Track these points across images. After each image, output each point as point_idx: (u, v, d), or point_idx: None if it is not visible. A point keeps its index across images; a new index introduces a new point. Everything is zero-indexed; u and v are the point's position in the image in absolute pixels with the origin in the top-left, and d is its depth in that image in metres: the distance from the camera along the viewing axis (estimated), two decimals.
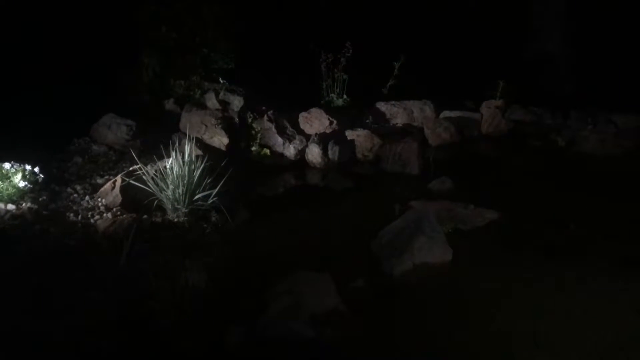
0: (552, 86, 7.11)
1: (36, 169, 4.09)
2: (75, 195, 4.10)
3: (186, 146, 4.13)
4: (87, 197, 4.08)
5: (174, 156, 4.06)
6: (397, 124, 6.13)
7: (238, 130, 5.33)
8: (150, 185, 3.99)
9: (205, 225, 4.01)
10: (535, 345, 2.84)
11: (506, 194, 4.70)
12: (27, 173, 4.01)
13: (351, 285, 3.34)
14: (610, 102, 6.28)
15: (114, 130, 4.94)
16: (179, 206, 3.99)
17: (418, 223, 3.73)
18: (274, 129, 5.42)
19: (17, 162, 4.02)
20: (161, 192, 3.99)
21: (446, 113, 6.26)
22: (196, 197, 4.02)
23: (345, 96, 6.28)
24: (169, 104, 5.52)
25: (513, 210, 4.33)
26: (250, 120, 5.43)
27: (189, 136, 4.39)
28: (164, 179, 3.99)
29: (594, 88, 6.64)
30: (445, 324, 3.03)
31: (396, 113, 6.18)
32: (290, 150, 5.38)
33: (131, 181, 4.01)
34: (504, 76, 6.59)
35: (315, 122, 5.63)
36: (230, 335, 2.90)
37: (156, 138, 4.89)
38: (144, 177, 4.02)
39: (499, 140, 6.04)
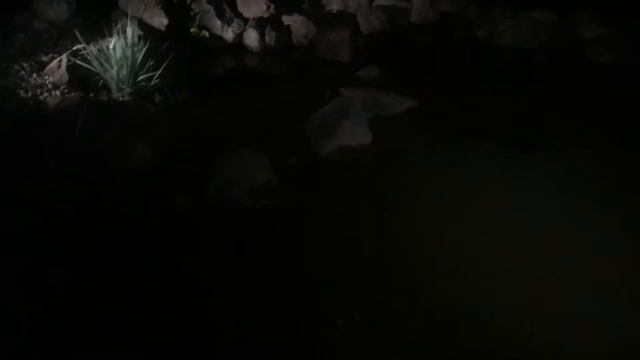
0: None
1: None
2: (23, 72, 4.25)
3: (128, 27, 4.28)
4: (34, 75, 4.25)
5: (116, 37, 4.24)
6: (332, 10, 6.33)
7: (177, 11, 5.41)
8: (95, 64, 4.20)
9: (149, 105, 4.32)
10: (431, 205, 3.55)
11: (426, 82, 5.20)
12: None
13: (284, 162, 3.85)
14: None
15: (54, 6, 4.93)
16: (123, 86, 4.24)
17: (344, 109, 4.22)
18: (212, 11, 5.54)
19: None
20: (106, 72, 4.21)
21: (379, 1, 6.49)
22: (139, 78, 4.27)
23: None
24: None
25: (430, 97, 4.86)
26: (189, 1, 5.51)
27: (130, 16, 4.52)
28: (108, 60, 4.20)
29: None
30: (359, 192, 3.67)
31: None
32: (228, 34, 5.57)
33: (77, 61, 4.20)
34: None
35: (253, 5, 5.76)
36: (179, 200, 3.40)
37: (97, 16, 4.99)
38: (88, 57, 4.21)
39: (426, 30, 6.41)
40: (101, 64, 4.19)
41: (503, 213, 3.51)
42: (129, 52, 4.20)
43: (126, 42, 4.22)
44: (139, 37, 4.38)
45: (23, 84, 4.12)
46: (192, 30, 5.47)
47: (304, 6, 6.13)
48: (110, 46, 4.23)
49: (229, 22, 5.60)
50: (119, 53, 4.17)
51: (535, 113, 4.77)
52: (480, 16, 6.55)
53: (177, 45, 4.76)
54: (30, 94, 4.04)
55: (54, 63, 4.28)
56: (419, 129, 4.44)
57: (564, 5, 6.45)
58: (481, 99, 4.95)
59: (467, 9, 6.60)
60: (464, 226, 3.36)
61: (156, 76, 4.27)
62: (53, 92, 4.10)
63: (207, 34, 5.52)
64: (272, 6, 5.79)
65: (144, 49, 4.27)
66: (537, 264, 3.10)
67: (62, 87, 4.16)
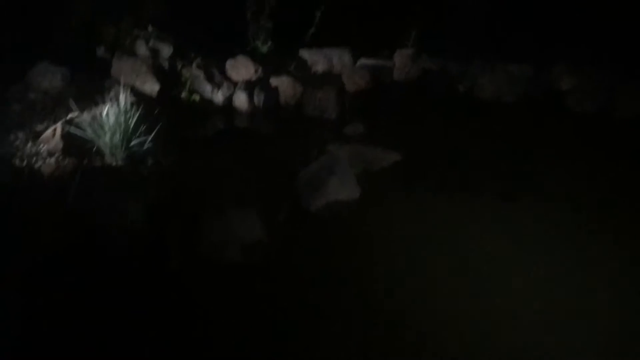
0: (460, 37, 7.76)
1: None
2: (18, 141, 4.37)
3: (120, 95, 4.45)
4: (29, 144, 4.36)
5: (109, 104, 4.40)
6: (318, 71, 6.59)
7: (168, 77, 5.63)
8: (88, 132, 4.33)
9: (142, 168, 4.42)
10: (420, 259, 3.60)
11: (411, 136, 5.36)
12: None
13: (275, 219, 3.94)
14: (509, 53, 7.01)
15: (49, 77, 5.12)
16: (116, 151, 4.36)
17: (332, 165, 4.33)
18: (202, 76, 5.76)
19: None
20: (99, 139, 4.34)
21: (363, 61, 6.77)
22: (132, 143, 4.39)
23: (270, 43, 6.64)
24: (100, 51, 5.70)
25: (416, 151, 5.00)
26: (179, 67, 5.74)
27: (122, 84, 4.70)
28: (101, 127, 4.33)
29: (498, 40, 7.35)
30: (348, 246, 3.74)
31: (317, 60, 6.62)
32: (218, 97, 5.77)
33: (71, 129, 4.33)
34: (418, 25, 7.16)
35: (241, 69, 6.01)
36: (173, 262, 3.45)
37: (90, 84, 5.16)
38: (82, 124, 4.35)
39: (409, 87, 6.63)
40: (95, 131, 4.32)
41: (488, 264, 3.58)
42: (121, 119, 4.34)
43: (119, 109, 4.37)
44: (132, 104, 4.53)
45: (18, 153, 4.23)
46: (183, 94, 5.67)
47: (290, 68, 6.37)
48: (104, 113, 4.37)
49: (218, 86, 5.81)
50: (112, 120, 4.31)
51: (518, 164, 4.92)
52: (461, 71, 6.83)
53: (168, 109, 4.94)
54: (25, 162, 4.14)
55: (49, 132, 4.41)
56: (406, 183, 4.55)
57: (540, 59, 6.76)
58: (465, 151, 5.11)
59: (447, 65, 6.88)
60: (455, 280, 3.42)
61: (148, 140, 4.40)
62: (48, 159, 4.21)
63: (197, 97, 5.71)
64: (260, 69, 6.03)
65: (137, 115, 4.41)
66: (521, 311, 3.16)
67: (56, 155, 4.27)
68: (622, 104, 6.06)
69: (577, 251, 3.73)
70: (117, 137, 4.32)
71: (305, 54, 6.66)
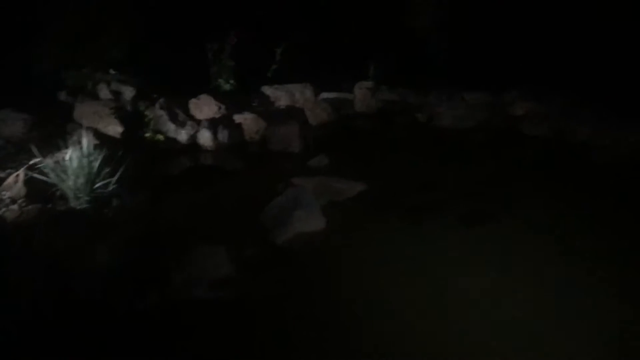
0: (417, 68, 8.04)
1: None
2: None
3: (83, 138, 4.46)
4: None
5: (72, 148, 4.40)
6: (280, 106, 6.73)
7: (132, 119, 5.67)
8: (51, 176, 4.32)
9: (107, 211, 4.41)
10: (386, 285, 3.65)
11: (374, 166, 5.51)
12: None
13: (242, 254, 3.96)
14: (465, 81, 7.30)
15: (9, 124, 5.12)
16: (80, 195, 4.34)
17: (297, 198, 4.40)
18: (166, 116, 5.82)
19: None
20: (63, 183, 4.33)
21: (324, 95, 6.95)
22: (96, 185, 4.39)
23: (232, 81, 6.76)
24: (62, 96, 5.73)
25: (380, 180, 5.10)
26: (142, 108, 5.79)
27: (85, 127, 4.72)
28: (64, 171, 4.33)
29: (454, 68, 7.64)
30: (315, 276, 3.77)
31: (280, 96, 6.77)
32: (182, 136, 5.82)
33: (34, 175, 4.32)
34: (377, 58, 7.40)
35: (204, 107, 6.09)
36: (141, 302, 3.44)
37: (52, 129, 5.19)
38: (45, 169, 4.34)
39: (370, 118, 6.85)
40: (58, 175, 4.31)
41: (451, 286, 3.66)
42: (85, 162, 4.35)
43: (82, 152, 4.37)
44: (95, 146, 4.53)
45: None
46: (147, 135, 5.70)
47: (253, 104, 6.49)
48: (67, 157, 4.37)
49: (182, 125, 5.87)
50: (75, 163, 4.31)
51: (478, 188, 5.07)
52: (419, 101, 7.06)
53: (133, 150, 4.95)
54: None
55: (11, 178, 4.38)
56: (371, 212, 4.64)
57: (495, 86, 7.04)
58: (427, 178, 5.25)
59: (406, 96, 7.11)
60: (421, 303, 3.49)
61: (113, 182, 4.40)
62: (11, 206, 4.17)
63: (161, 137, 5.75)
64: (223, 107, 6.13)
65: (100, 157, 4.42)
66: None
67: (20, 201, 4.23)
68: (572, 128, 6.34)
69: (532, 265, 3.87)
70: (81, 180, 4.31)
71: (267, 90, 6.80)
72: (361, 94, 7.00)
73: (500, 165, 5.63)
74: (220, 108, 6.09)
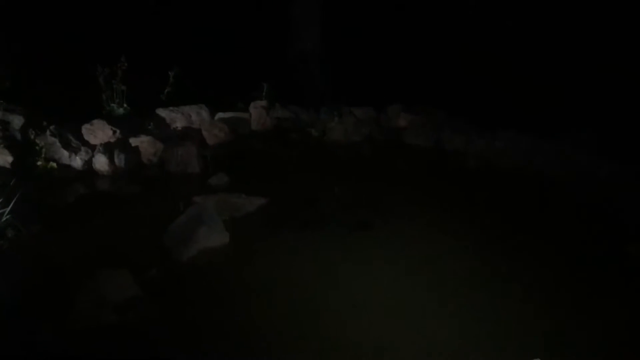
0: (308, 85, 8.46)
1: None
2: None
3: None
4: None
5: None
6: (177, 127, 6.81)
7: (22, 148, 5.52)
8: None
9: (2, 242, 4.32)
10: (285, 289, 3.92)
11: (272, 181, 5.75)
12: None
13: (147, 274, 4.03)
14: (352, 98, 7.78)
15: None
16: None
17: (199, 215, 4.55)
18: (58, 143, 5.71)
19: None
20: None
21: (220, 115, 7.11)
22: None
23: (125, 105, 6.74)
24: None
25: (278, 194, 5.37)
26: (33, 136, 5.65)
27: None
28: None
29: (342, 86, 8.11)
30: (220, 289, 3.96)
31: (175, 118, 6.85)
32: (77, 162, 5.74)
33: None
34: (270, 78, 7.70)
35: (99, 132, 6.04)
36: (41, 335, 3.42)
37: None
38: None
39: (266, 136, 7.11)
40: None
41: (342, 284, 4.03)
42: None
43: None
44: None
45: None
46: (40, 163, 5.57)
47: (149, 127, 6.52)
48: None
49: (76, 151, 5.79)
50: None
51: (368, 196, 5.49)
52: (311, 118, 7.43)
53: (25, 180, 4.85)
54: None
55: None
56: (271, 224, 4.89)
57: (379, 102, 7.61)
58: (322, 190, 5.58)
59: (299, 113, 7.45)
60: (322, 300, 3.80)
61: (6, 213, 4.32)
62: None
63: (54, 165, 5.64)
64: (118, 131, 6.11)
65: None
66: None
67: None
68: (448, 138, 7.00)
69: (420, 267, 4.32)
70: None
71: (163, 112, 6.85)
72: (256, 113, 7.25)
73: (385, 175, 6.17)
74: (115, 132, 6.07)
